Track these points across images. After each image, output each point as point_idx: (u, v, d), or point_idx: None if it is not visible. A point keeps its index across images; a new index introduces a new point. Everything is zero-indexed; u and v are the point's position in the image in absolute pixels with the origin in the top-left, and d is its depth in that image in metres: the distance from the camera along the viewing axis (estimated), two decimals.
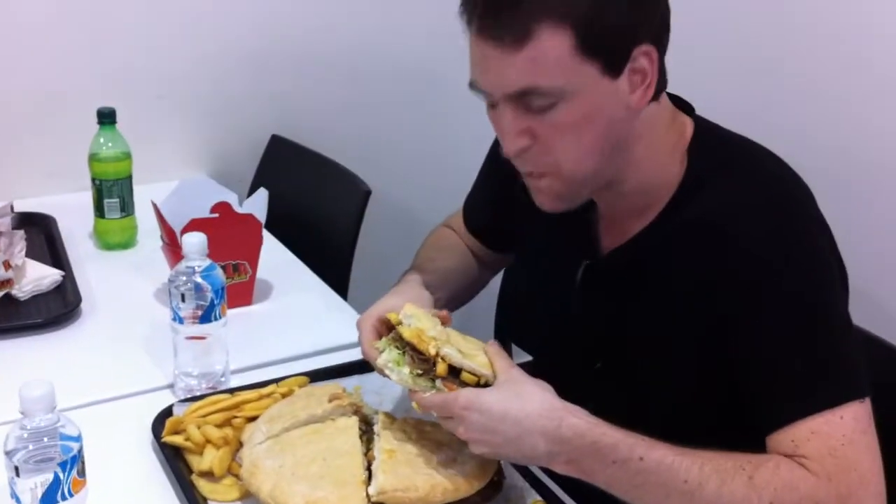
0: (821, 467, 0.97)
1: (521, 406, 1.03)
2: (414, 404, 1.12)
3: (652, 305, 1.17)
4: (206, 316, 1.34)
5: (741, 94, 2.01)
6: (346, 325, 1.63)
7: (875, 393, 1.03)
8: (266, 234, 1.71)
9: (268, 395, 1.31)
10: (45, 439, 0.96)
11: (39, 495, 0.95)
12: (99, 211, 1.90)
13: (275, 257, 1.87)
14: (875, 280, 1.69)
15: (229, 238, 1.58)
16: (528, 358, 1.44)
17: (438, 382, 1.10)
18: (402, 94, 2.50)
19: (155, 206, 1.66)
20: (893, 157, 1.78)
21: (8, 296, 1.64)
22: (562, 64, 1.04)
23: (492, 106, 1.12)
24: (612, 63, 1.06)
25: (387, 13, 2.36)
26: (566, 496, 1.16)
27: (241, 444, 1.22)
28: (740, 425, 1.06)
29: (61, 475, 0.95)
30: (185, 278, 1.33)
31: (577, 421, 1.02)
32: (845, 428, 0.99)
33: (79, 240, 1.94)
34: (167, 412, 1.29)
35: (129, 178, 1.90)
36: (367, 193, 2.04)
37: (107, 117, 1.85)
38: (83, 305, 1.64)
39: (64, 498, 0.96)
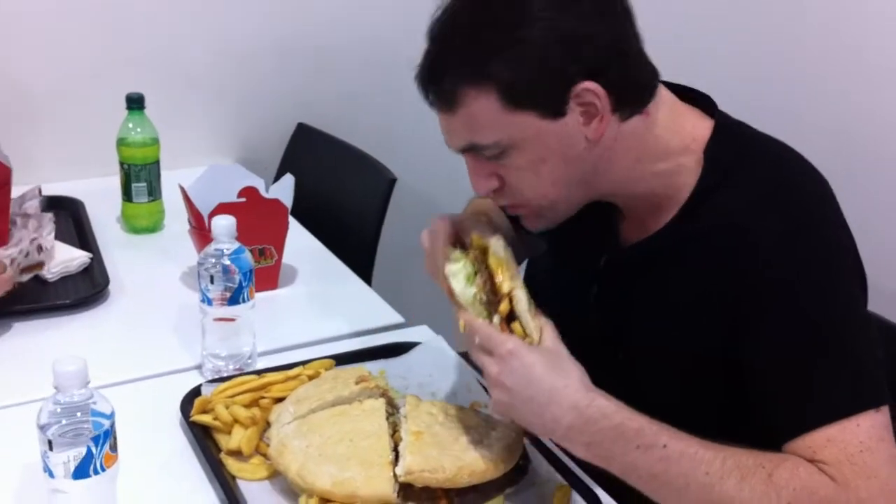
0: (839, 473, 0.96)
1: (559, 377, 1.03)
2: (461, 322, 1.10)
3: (669, 302, 1.17)
4: (234, 298, 1.35)
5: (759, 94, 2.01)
6: (370, 310, 1.65)
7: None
8: (291, 221, 1.72)
9: (294, 377, 1.32)
10: (78, 414, 0.96)
11: (72, 469, 0.96)
12: (126, 195, 1.92)
13: (300, 243, 1.88)
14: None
15: (256, 223, 1.59)
16: None
17: (496, 318, 1.08)
18: None
19: (183, 189, 1.67)
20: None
21: (37, 277, 1.66)
22: (494, 121, 1.07)
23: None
24: (549, 108, 1.07)
25: (414, 1, 2.36)
26: (591, 481, 1.17)
27: (268, 425, 1.23)
28: (758, 426, 1.05)
29: (94, 449, 0.96)
30: (213, 260, 1.34)
31: (606, 403, 1.02)
32: (862, 435, 0.97)
33: (106, 224, 1.96)
34: (195, 392, 1.31)
35: (157, 162, 1.91)
36: (392, 181, 2.05)
37: (135, 102, 1.87)
38: (111, 287, 1.66)
39: (96, 472, 0.97)
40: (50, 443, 0.95)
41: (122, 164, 1.90)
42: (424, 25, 1.11)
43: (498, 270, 1.11)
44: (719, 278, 1.09)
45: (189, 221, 1.70)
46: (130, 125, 1.88)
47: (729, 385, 1.10)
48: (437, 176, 2.52)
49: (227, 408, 1.23)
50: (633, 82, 1.11)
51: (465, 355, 1.29)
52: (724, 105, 1.19)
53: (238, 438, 1.19)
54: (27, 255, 1.63)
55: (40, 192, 1.88)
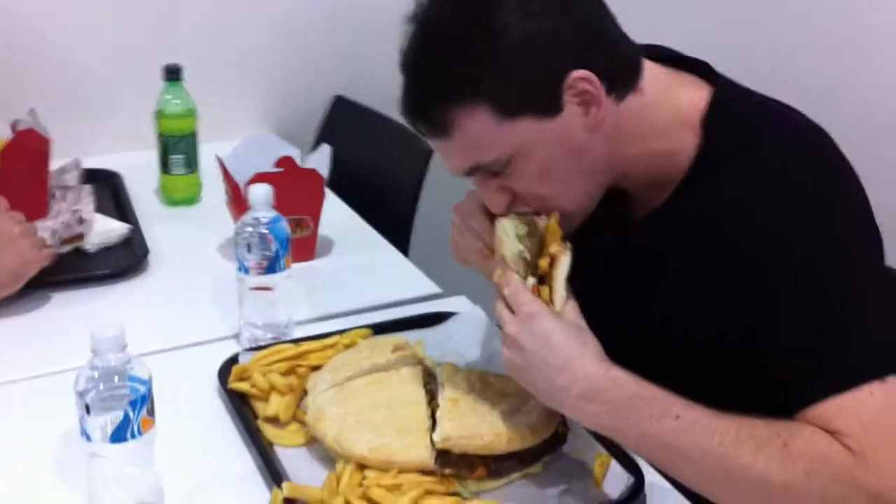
0: (856, 443, 0.91)
1: (577, 346, 1.02)
2: (498, 271, 1.09)
3: (672, 282, 1.14)
4: (272, 267, 1.35)
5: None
6: (407, 280, 1.65)
7: None
8: (328, 192, 1.72)
9: (331, 346, 1.32)
10: (116, 378, 0.96)
11: (109, 433, 0.96)
12: (164, 167, 1.93)
13: (337, 214, 1.88)
14: None
15: (292, 193, 1.58)
16: None
17: (530, 280, 1.08)
18: None
19: (219, 160, 1.68)
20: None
21: (77, 248, 1.67)
22: (493, 136, 1.05)
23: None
24: (545, 107, 1.05)
25: None
26: (631, 451, 1.15)
27: (305, 392, 1.22)
28: (767, 403, 1.01)
29: (131, 414, 0.96)
30: (251, 229, 1.34)
31: (620, 374, 1.00)
32: (878, 403, 0.93)
33: (144, 196, 1.97)
34: (233, 360, 1.31)
35: (194, 134, 1.91)
36: (430, 153, 2.03)
37: (173, 73, 1.87)
38: (150, 258, 1.67)
39: (133, 436, 0.97)
40: (87, 407, 0.96)
41: (159, 135, 1.90)
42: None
43: (548, 234, 1.11)
44: (718, 259, 1.06)
45: (226, 192, 1.70)
46: (168, 96, 1.88)
47: (736, 362, 1.06)
48: None
49: (264, 375, 1.23)
50: (620, 60, 1.09)
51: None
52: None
53: (275, 405, 1.19)
54: (68, 226, 1.64)
55: (79, 164, 1.90)
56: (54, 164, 1.81)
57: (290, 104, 2.42)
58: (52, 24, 2.13)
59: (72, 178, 1.84)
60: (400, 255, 1.78)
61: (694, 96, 1.12)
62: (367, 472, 1.07)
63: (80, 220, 1.67)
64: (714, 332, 1.08)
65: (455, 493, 1.06)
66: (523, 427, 1.10)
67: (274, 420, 1.19)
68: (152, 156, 1.95)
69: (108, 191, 1.96)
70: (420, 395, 1.17)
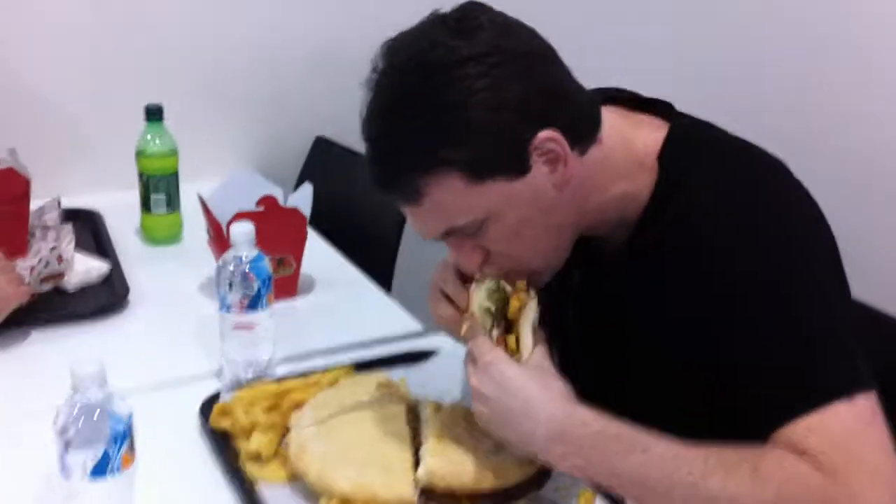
0: (827, 462, 0.91)
1: (538, 389, 1.03)
2: (465, 326, 1.11)
3: (641, 313, 1.15)
4: (253, 305, 1.34)
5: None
6: (389, 318, 1.64)
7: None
8: (310, 230, 1.72)
9: (314, 384, 1.31)
10: (96, 415, 0.96)
11: (89, 469, 0.95)
12: (145, 206, 1.92)
13: (319, 253, 1.88)
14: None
15: (274, 232, 1.58)
16: None
17: (495, 332, 1.10)
18: None
19: (201, 199, 1.67)
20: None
21: (57, 288, 1.66)
22: (464, 200, 1.06)
23: None
24: (513, 169, 1.05)
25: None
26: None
27: (287, 430, 1.21)
28: (741, 427, 1.01)
29: (111, 451, 0.95)
30: (232, 267, 1.33)
31: (585, 412, 1.01)
32: (845, 422, 0.93)
33: (125, 235, 1.96)
34: (214, 398, 1.30)
35: (176, 174, 1.91)
36: None
37: (154, 114, 1.87)
38: (130, 297, 1.66)
39: (113, 473, 0.96)
40: (67, 443, 0.95)
41: (140, 175, 1.90)
42: None
43: (519, 287, 1.12)
44: (682, 283, 1.07)
45: (207, 231, 1.70)
46: (149, 136, 1.88)
47: (709, 389, 1.06)
48: None
49: (246, 413, 1.22)
50: (580, 115, 1.10)
51: None
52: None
53: (257, 442, 1.18)
54: (47, 264, 1.63)
55: (59, 203, 1.89)
56: (34, 203, 1.81)
57: (271, 144, 2.43)
58: (33, 64, 2.13)
59: (52, 218, 1.83)
60: (382, 293, 1.78)
61: (649, 138, 1.13)
62: None
63: (60, 259, 1.66)
64: (685, 358, 1.08)
65: None
66: (507, 464, 1.09)
67: (256, 457, 1.18)
68: (133, 195, 1.95)
69: (89, 230, 1.95)
70: (403, 432, 1.16)
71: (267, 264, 1.36)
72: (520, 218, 1.08)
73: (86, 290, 1.68)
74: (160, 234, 1.94)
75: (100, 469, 0.95)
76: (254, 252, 1.36)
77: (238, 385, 1.33)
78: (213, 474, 1.18)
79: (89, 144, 2.21)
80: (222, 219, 1.60)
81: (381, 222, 2.07)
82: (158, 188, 1.90)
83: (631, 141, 1.13)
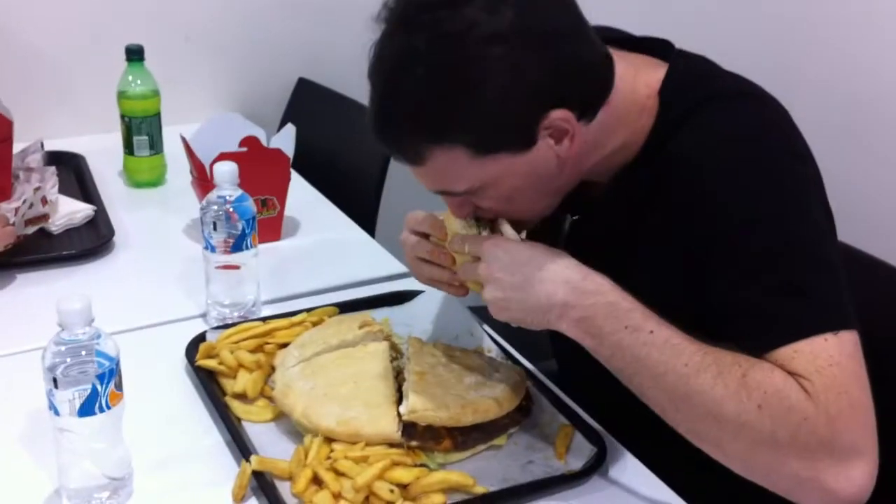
0: (810, 384, 0.93)
1: (550, 256, 1.05)
2: (455, 240, 1.14)
3: (635, 253, 1.15)
4: (238, 245, 1.36)
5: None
6: (373, 260, 1.66)
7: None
8: (294, 174, 1.72)
9: (299, 323, 1.33)
10: (83, 353, 0.97)
11: (78, 406, 0.97)
12: (128, 149, 1.92)
13: (302, 195, 1.88)
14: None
15: (258, 173, 1.59)
16: None
17: (485, 231, 1.12)
18: None
19: (184, 139, 1.67)
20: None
21: (42, 230, 1.66)
22: (465, 171, 1.05)
23: None
24: (520, 144, 1.05)
25: None
26: (594, 422, 1.17)
27: (272, 369, 1.23)
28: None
29: (99, 387, 0.97)
30: (216, 207, 1.34)
31: (601, 279, 1.03)
32: (831, 349, 0.95)
33: (108, 178, 1.96)
34: (200, 338, 1.31)
35: (158, 115, 1.91)
36: None
37: (135, 54, 1.86)
38: (115, 240, 1.66)
39: (101, 409, 0.98)
40: (55, 381, 0.96)
41: (122, 116, 1.89)
42: None
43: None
44: (676, 219, 1.08)
45: (191, 173, 1.70)
46: (130, 77, 1.87)
47: (700, 324, 1.05)
48: None
49: (231, 353, 1.24)
50: (595, 88, 1.08)
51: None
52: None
53: (243, 382, 1.20)
54: (31, 206, 1.63)
55: (42, 146, 1.88)
56: (17, 146, 1.79)
57: (254, 86, 2.41)
58: (13, 6, 2.11)
59: (35, 160, 1.83)
60: (366, 235, 1.79)
61: (651, 79, 1.12)
62: (335, 446, 1.09)
63: (44, 201, 1.66)
64: (680, 288, 1.08)
65: (422, 465, 1.08)
66: (488, 400, 1.12)
67: (242, 396, 1.20)
68: (116, 138, 1.94)
69: (72, 173, 1.95)
70: (387, 369, 1.18)
71: (251, 204, 1.37)
72: (516, 186, 1.08)
73: (70, 233, 1.69)
74: (143, 176, 1.94)
75: (88, 406, 0.97)
76: (237, 192, 1.36)
77: (224, 325, 1.35)
78: (201, 412, 1.21)
79: (71, 86, 2.20)
80: (205, 160, 1.61)
81: (365, 164, 2.08)
82: (141, 130, 1.89)
83: (634, 88, 1.12)
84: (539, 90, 1.02)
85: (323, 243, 1.74)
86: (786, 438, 0.92)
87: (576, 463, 1.11)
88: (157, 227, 1.77)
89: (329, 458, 1.07)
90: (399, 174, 2.05)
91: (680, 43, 1.18)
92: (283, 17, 2.38)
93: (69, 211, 1.70)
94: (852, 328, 0.97)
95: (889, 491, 0.98)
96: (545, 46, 1.01)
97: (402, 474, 1.04)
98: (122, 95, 1.88)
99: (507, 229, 1.11)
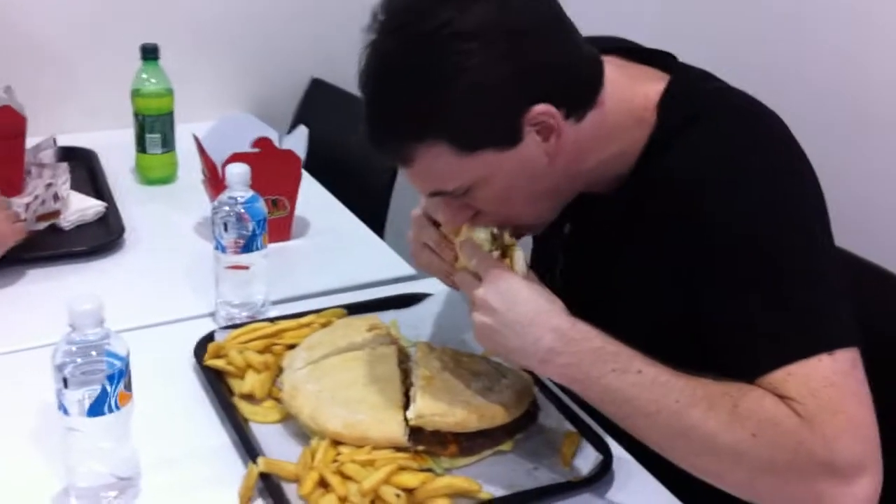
0: (804, 408, 0.93)
1: (544, 302, 1.05)
2: (463, 247, 1.14)
3: (629, 265, 1.16)
4: (248, 246, 1.36)
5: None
6: (382, 262, 1.66)
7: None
8: (304, 174, 1.73)
9: (307, 325, 1.33)
10: (93, 353, 0.97)
11: (87, 406, 0.97)
12: (141, 146, 1.93)
13: (313, 196, 1.89)
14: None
15: (269, 173, 1.59)
16: None
17: (495, 253, 1.12)
18: None
19: (196, 139, 1.68)
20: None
21: (53, 226, 1.67)
22: (452, 168, 1.06)
23: None
24: (504, 140, 1.05)
25: None
26: (600, 429, 1.17)
27: (280, 370, 1.24)
28: (725, 374, 1.02)
29: (108, 388, 0.97)
30: (227, 208, 1.35)
31: (587, 327, 1.03)
32: (825, 370, 0.95)
33: (120, 175, 1.97)
34: (209, 338, 1.32)
35: (171, 113, 1.92)
36: None
37: (150, 53, 1.87)
38: (126, 237, 1.67)
39: (111, 410, 0.98)
40: (65, 380, 0.97)
41: (136, 114, 1.90)
42: None
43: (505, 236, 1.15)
44: (671, 234, 1.08)
45: (203, 172, 1.70)
46: (145, 75, 1.88)
47: (696, 338, 1.06)
48: None
49: (240, 353, 1.24)
50: (579, 86, 1.09)
51: None
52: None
53: (251, 382, 1.20)
54: (43, 202, 1.64)
55: (55, 141, 1.89)
56: (30, 141, 1.81)
57: (267, 86, 2.42)
58: (27, 2, 2.11)
59: (48, 156, 1.83)
60: (375, 237, 1.80)
61: (650, 90, 1.13)
62: (342, 448, 1.09)
63: (56, 197, 1.67)
64: (673, 305, 1.09)
65: (428, 469, 1.08)
66: (495, 405, 1.12)
67: (249, 397, 1.20)
68: (129, 135, 1.95)
69: (84, 169, 1.95)
70: (394, 373, 1.19)
71: (262, 205, 1.38)
72: (508, 185, 1.09)
73: (81, 229, 1.70)
74: (155, 173, 1.95)
75: (97, 406, 0.98)
76: (249, 193, 1.37)
77: (232, 325, 1.35)
78: (208, 412, 1.21)
79: (85, 83, 2.21)
80: (217, 159, 1.61)
81: (376, 166, 2.07)
82: (154, 128, 1.90)
83: (630, 97, 1.12)
84: (515, 85, 1.03)
85: (332, 244, 1.75)
86: (784, 464, 0.93)
87: (581, 470, 1.11)
88: (168, 225, 1.77)
89: (336, 461, 1.07)
90: None
91: (680, 43, 1.18)
92: (296, 16, 2.38)
93: (80, 207, 1.71)
94: (850, 344, 0.97)
95: (892, 495, 0.98)
96: (518, 42, 1.02)
97: (408, 479, 1.05)
98: (136, 94, 1.89)
99: (519, 258, 1.11)
